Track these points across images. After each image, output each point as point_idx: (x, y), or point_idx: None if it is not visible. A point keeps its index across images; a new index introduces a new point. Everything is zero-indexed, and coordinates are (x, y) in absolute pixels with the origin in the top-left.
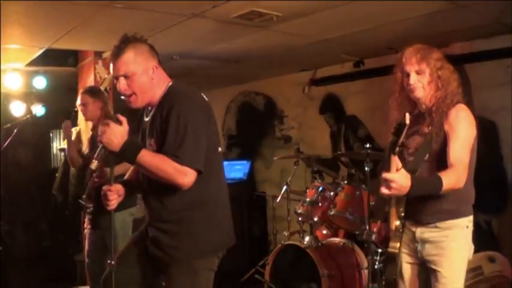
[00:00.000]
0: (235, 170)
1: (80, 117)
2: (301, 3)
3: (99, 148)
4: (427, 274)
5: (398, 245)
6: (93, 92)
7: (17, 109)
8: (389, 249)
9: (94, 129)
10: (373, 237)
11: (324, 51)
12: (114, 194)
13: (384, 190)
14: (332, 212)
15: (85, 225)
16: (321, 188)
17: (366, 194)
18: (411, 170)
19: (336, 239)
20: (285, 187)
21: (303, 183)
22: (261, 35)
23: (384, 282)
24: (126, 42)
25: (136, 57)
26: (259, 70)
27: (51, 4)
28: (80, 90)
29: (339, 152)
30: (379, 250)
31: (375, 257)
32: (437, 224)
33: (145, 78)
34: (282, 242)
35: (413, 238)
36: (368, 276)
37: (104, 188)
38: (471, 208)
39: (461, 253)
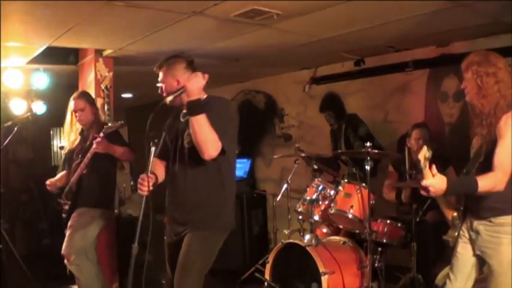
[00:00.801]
0: (236, 168)
1: (69, 120)
2: (302, 1)
3: None
4: (478, 263)
5: (456, 234)
6: (89, 98)
7: (18, 107)
8: (445, 237)
9: (85, 132)
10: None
11: (324, 50)
12: (148, 182)
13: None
14: (332, 211)
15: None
16: (321, 187)
17: (366, 192)
18: (467, 172)
19: (336, 238)
20: (285, 185)
21: (303, 181)
22: (261, 33)
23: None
24: (169, 57)
25: (167, 72)
26: (259, 68)
27: (51, 2)
28: (73, 96)
29: (340, 151)
30: (379, 249)
31: (375, 256)
32: (492, 219)
33: (172, 88)
34: (282, 240)
35: (471, 227)
36: (368, 274)
37: (142, 175)
38: None
39: (510, 249)
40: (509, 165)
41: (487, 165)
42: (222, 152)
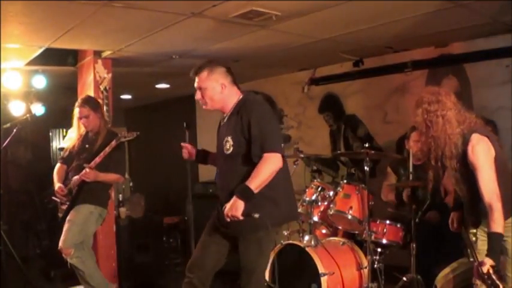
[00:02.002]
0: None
1: (76, 125)
2: (301, 2)
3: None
4: None
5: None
6: (93, 104)
7: (17, 108)
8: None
9: (91, 134)
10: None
11: (323, 51)
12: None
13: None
14: (331, 212)
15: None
16: (320, 188)
17: (366, 193)
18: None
19: (336, 238)
20: None
21: (302, 182)
22: (260, 34)
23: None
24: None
25: (209, 76)
26: (258, 69)
27: (50, 3)
28: (77, 103)
29: (339, 151)
30: (379, 250)
31: (374, 257)
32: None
33: (217, 94)
34: (282, 241)
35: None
36: (368, 275)
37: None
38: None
39: None
40: (496, 191)
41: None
42: (282, 156)
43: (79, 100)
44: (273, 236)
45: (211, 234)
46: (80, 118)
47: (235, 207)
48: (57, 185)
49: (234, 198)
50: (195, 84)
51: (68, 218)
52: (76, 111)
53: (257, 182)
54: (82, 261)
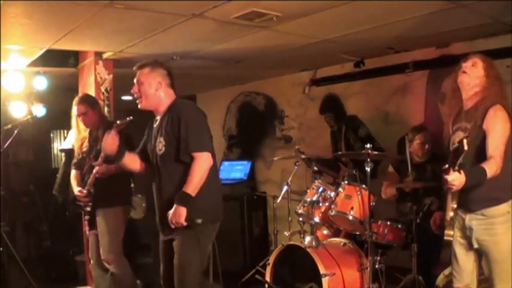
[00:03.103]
0: (236, 170)
1: (75, 124)
2: (302, 3)
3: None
4: (477, 255)
5: (452, 232)
6: (90, 101)
7: (18, 110)
8: (445, 237)
9: (94, 132)
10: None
11: (324, 51)
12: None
13: (449, 187)
14: (333, 212)
15: (85, 228)
16: (321, 188)
17: (367, 194)
18: (463, 164)
19: (337, 239)
20: (285, 187)
21: (303, 183)
22: (261, 35)
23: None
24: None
25: (150, 73)
26: (259, 70)
27: (51, 4)
28: (75, 101)
29: (340, 152)
30: (380, 250)
31: (375, 257)
32: (483, 212)
33: (152, 90)
34: (283, 242)
35: (464, 225)
36: (369, 276)
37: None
38: (510, 193)
39: (507, 236)
40: (502, 152)
41: (480, 156)
42: (212, 156)
43: (76, 98)
44: (209, 232)
45: (164, 244)
46: (78, 116)
47: (178, 214)
48: (76, 189)
49: (175, 206)
50: (135, 78)
51: (98, 228)
52: (74, 109)
53: (193, 185)
54: (120, 268)
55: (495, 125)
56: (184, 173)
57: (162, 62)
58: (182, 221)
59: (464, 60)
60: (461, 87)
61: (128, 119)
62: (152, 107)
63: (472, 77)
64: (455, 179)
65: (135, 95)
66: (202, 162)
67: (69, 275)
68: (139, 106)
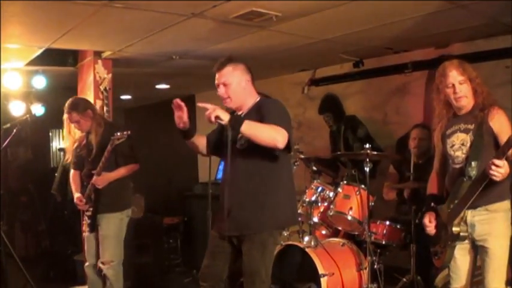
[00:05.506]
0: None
1: (66, 127)
2: (301, 3)
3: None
4: (476, 252)
5: (459, 228)
6: (80, 107)
7: (17, 109)
8: (454, 229)
9: (88, 135)
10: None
11: (323, 51)
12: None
13: (492, 173)
14: (331, 212)
15: (83, 228)
16: (320, 188)
17: (366, 194)
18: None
19: (336, 239)
20: None
21: (302, 183)
22: (260, 35)
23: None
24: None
25: (234, 71)
26: (258, 70)
27: (50, 4)
28: (65, 109)
29: (339, 152)
30: (379, 250)
31: (374, 257)
32: (487, 207)
33: (240, 89)
34: (282, 242)
35: (465, 221)
36: (368, 276)
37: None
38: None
39: (507, 232)
40: None
41: (489, 154)
42: (288, 144)
43: (66, 106)
44: (277, 238)
45: (218, 244)
46: (73, 123)
47: (222, 112)
48: (76, 195)
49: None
50: (217, 81)
51: (100, 232)
52: (65, 116)
53: (253, 125)
54: (116, 274)
55: (502, 123)
56: (263, 172)
57: (235, 57)
58: (223, 117)
59: (442, 75)
60: (455, 102)
61: (125, 133)
62: (238, 104)
63: (463, 91)
64: (503, 166)
65: (223, 97)
66: (279, 133)
67: (68, 274)
68: (225, 104)
